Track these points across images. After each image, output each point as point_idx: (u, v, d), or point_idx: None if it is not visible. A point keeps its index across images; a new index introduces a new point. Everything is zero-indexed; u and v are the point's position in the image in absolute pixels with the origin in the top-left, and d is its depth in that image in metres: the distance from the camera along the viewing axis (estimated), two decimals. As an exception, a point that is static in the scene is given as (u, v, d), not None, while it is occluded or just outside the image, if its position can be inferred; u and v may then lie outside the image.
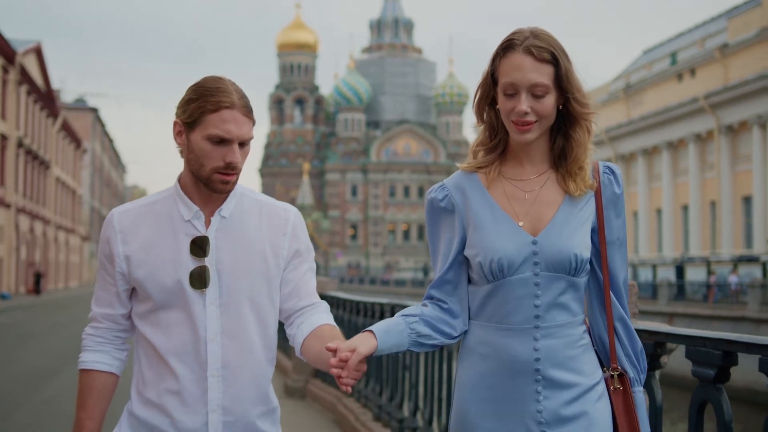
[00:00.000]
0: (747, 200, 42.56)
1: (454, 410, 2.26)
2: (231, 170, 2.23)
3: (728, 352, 2.48)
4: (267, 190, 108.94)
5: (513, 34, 2.15)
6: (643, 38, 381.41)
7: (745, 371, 2.61)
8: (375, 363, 6.84)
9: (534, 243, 2.14)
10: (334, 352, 2.05)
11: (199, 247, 2.26)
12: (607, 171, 2.24)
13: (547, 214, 2.17)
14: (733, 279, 30.41)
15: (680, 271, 35.51)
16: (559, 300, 2.14)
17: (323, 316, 2.35)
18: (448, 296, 2.23)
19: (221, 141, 2.20)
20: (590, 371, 2.16)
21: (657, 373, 2.88)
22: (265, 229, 2.33)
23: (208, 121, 2.20)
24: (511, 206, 2.18)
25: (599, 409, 2.15)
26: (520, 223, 2.16)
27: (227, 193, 2.28)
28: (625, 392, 2.18)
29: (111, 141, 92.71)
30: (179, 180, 2.33)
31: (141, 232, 2.29)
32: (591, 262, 2.21)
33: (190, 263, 2.25)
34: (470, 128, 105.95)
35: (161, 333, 2.26)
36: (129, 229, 2.29)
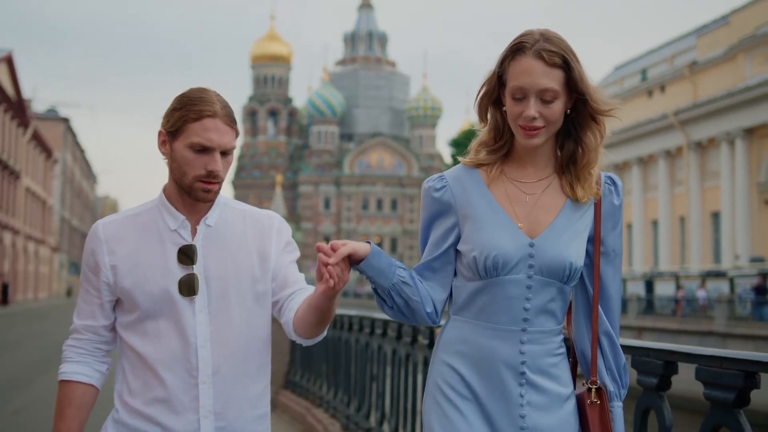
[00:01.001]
0: (715, 216, 43.03)
1: (430, 407, 2.19)
2: (213, 179, 2.25)
3: (669, 362, 2.51)
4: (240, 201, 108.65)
5: (523, 36, 2.11)
6: (615, 54, 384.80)
7: (684, 380, 2.64)
8: (344, 374, 6.92)
9: (531, 245, 2.11)
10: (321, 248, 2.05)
11: (187, 255, 2.27)
12: (609, 181, 2.22)
13: (546, 219, 2.15)
14: (701, 294, 30.75)
15: (649, 285, 35.86)
16: (548, 306, 2.12)
17: (307, 293, 2.35)
18: (429, 281, 2.20)
19: (203, 149, 2.22)
20: (566, 381, 2.16)
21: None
22: (251, 236, 2.35)
23: (191, 129, 2.22)
24: (511, 206, 2.16)
25: (571, 422, 2.14)
26: (519, 225, 2.13)
27: (209, 201, 2.30)
28: (602, 407, 2.14)
29: (82, 151, 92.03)
30: (164, 190, 2.34)
31: (127, 241, 2.30)
32: (582, 272, 2.19)
33: (177, 271, 2.26)
34: (443, 142, 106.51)
35: (149, 342, 2.26)
36: (114, 239, 2.30)
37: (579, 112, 2.13)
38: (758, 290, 28.47)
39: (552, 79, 2.06)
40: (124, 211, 2.41)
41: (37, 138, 60.79)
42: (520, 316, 2.10)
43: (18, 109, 52.95)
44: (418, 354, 5.01)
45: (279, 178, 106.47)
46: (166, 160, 2.30)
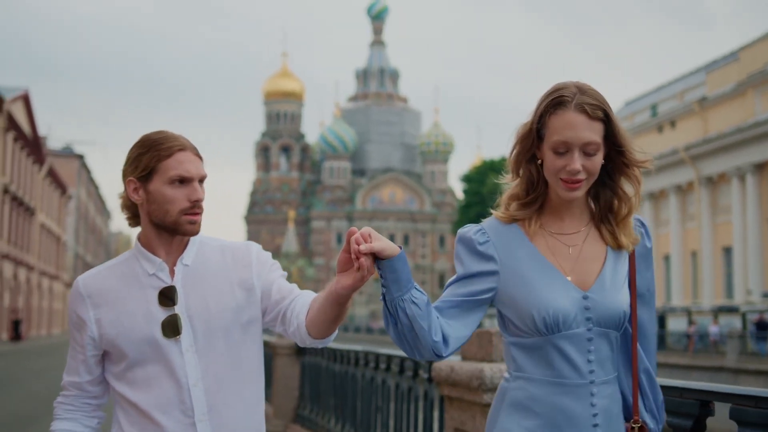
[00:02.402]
0: (727, 251, 43.01)
1: None
2: (197, 209, 2.28)
3: (704, 402, 2.51)
4: (252, 237, 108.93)
5: (561, 89, 2.10)
6: (625, 90, 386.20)
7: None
8: (351, 407, 7.07)
9: (585, 298, 2.09)
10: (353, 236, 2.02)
11: (167, 297, 2.28)
12: (638, 224, 2.23)
13: (593, 269, 2.14)
14: (713, 329, 30.72)
15: (662, 320, 35.79)
16: (608, 355, 2.12)
17: (310, 295, 2.37)
18: (451, 319, 2.13)
19: (182, 181, 2.25)
20: (622, 427, 2.16)
21: None
22: (230, 267, 2.36)
23: (166, 166, 2.24)
24: (556, 260, 2.13)
25: None
26: (569, 278, 2.12)
27: (196, 233, 2.31)
28: None
29: (96, 187, 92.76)
30: (138, 239, 2.36)
31: (109, 293, 2.31)
32: None
33: (160, 314, 2.27)
34: (455, 177, 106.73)
35: (140, 389, 2.27)
36: (96, 292, 2.32)
37: (613, 161, 2.14)
38: (759, 325, 28.49)
39: (595, 132, 2.06)
40: (103, 264, 2.42)
41: (52, 174, 61.42)
42: (586, 369, 2.08)
43: (34, 146, 53.58)
44: (419, 387, 5.17)
45: (291, 213, 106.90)
46: (142, 207, 2.31)
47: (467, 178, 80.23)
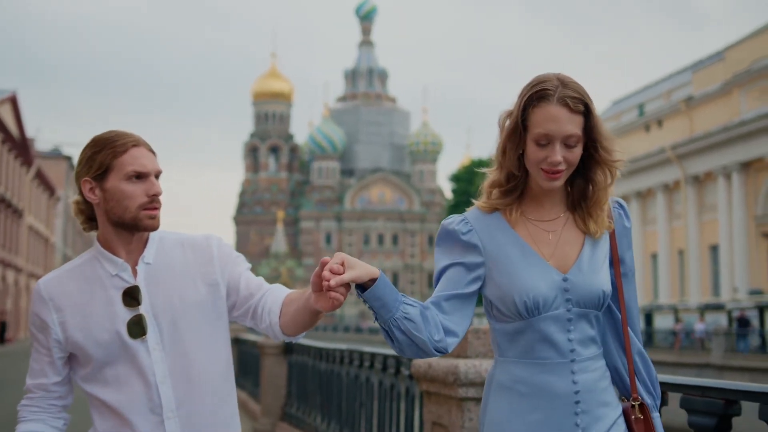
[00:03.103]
0: (714, 249, 43.32)
1: None
2: (156, 203, 2.28)
3: (730, 401, 2.50)
4: (241, 237, 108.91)
5: (543, 82, 2.14)
6: (612, 89, 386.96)
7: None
8: (336, 405, 7.20)
9: (565, 280, 2.16)
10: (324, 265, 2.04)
11: (132, 297, 2.28)
12: (617, 206, 2.29)
13: (572, 253, 2.20)
14: (699, 327, 30.97)
15: (649, 318, 36.06)
16: (589, 334, 2.18)
17: (282, 291, 2.38)
18: (450, 315, 2.19)
19: (139, 176, 2.25)
20: (615, 403, 2.22)
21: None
22: (191, 263, 2.36)
23: (121, 162, 2.24)
24: (537, 246, 2.20)
25: None
26: (549, 262, 2.19)
27: (156, 228, 2.31)
28: (646, 421, 2.22)
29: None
30: (98, 239, 2.35)
31: (71, 296, 2.30)
32: None
33: (125, 314, 2.27)
34: (444, 177, 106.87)
35: (110, 389, 2.28)
36: (58, 295, 2.31)
37: (590, 153, 2.19)
38: (740, 322, 28.74)
39: (575, 125, 2.11)
40: (64, 265, 2.41)
41: (40, 176, 61.26)
42: (566, 348, 2.15)
43: (22, 148, 53.45)
44: (401, 384, 5.30)
45: (280, 214, 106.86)
46: (99, 207, 2.30)
47: (456, 178, 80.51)
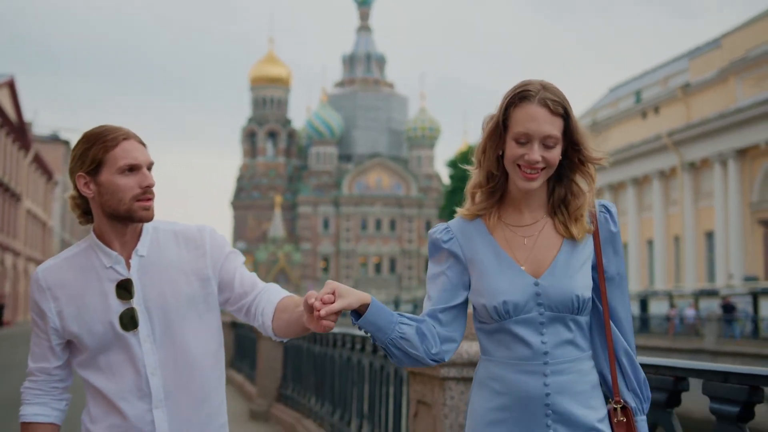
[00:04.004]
0: (709, 235, 43.51)
1: None
2: (149, 194, 2.33)
3: (754, 387, 2.50)
4: (239, 222, 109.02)
5: (526, 85, 2.21)
6: (610, 76, 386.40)
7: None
8: (329, 386, 7.40)
9: (536, 285, 2.20)
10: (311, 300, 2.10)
11: (125, 289, 2.34)
12: (603, 210, 2.31)
13: (547, 258, 2.24)
14: (689, 312, 31.23)
15: (644, 304, 36.29)
16: (566, 337, 2.20)
17: (276, 293, 2.43)
18: (442, 325, 2.27)
19: (131, 169, 2.30)
20: (598, 406, 2.22)
21: (674, 411, 2.87)
22: (185, 256, 2.41)
23: (113, 156, 2.30)
24: (512, 251, 2.25)
25: None
26: (523, 267, 2.23)
27: (150, 219, 2.36)
28: (628, 424, 2.23)
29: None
30: (94, 231, 2.41)
31: (67, 285, 2.37)
32: (593, 299, 2.27)
33: (118, 307, 2.33)
34: (441, 162, 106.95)
35: (103, 376, 2.34)
36: (55, 285, 2.37)
37: (570, 158, 2.25)
38: (725, 308, 28.94)
39: (555, 127, 2.18)
40: (61, 253, 2.47)
41: (38, 161, 61.30)
42: (540, 350, 2.18)
43: (20, 132, 53.50)
44: (390, 366, 5.49)
45: (278, 199, 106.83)
46: (93, 201, 2.36)
47: (453, 164, 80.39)
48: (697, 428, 4.03)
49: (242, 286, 2.44)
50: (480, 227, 2.29)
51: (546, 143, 2.18)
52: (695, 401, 3.04)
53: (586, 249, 2.27)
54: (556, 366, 2.19)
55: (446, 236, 2.30)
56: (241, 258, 2.50)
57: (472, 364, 3.79)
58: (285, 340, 2.49)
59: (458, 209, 2.35)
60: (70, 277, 2.38)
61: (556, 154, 2.20)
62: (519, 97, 2.20)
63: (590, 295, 2.24)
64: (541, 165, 2.19)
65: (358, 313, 2.18)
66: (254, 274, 2.49)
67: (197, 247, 2.42)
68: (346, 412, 6.72)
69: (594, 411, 2.21)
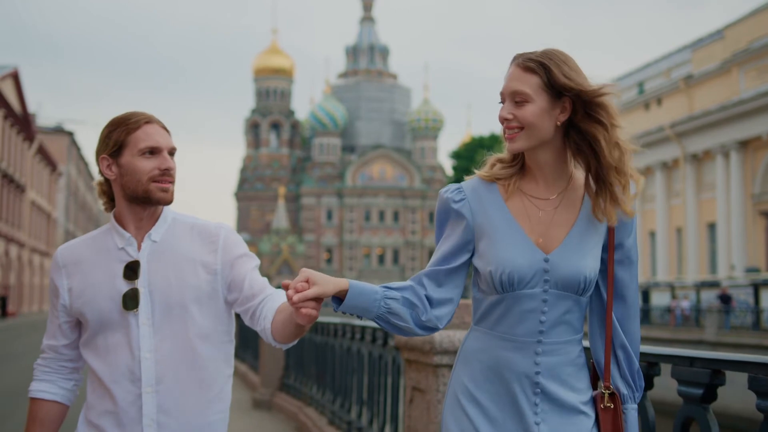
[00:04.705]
0: (711, 227, 43.55)
1: (448, 411, 2.27)
2: (167, 176, 2.37)
3: (716, 371, 2.54)
4: (242, 213, 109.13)
5: (521, 53, 2.20)
6: (613, 67, 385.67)
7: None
8: (330, 375, 7.56)
9: (546, 261, 2.16)
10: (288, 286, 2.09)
11: (131, 270, 2.37)
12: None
13: (559, 234, 2.19)
14: (685, 304, 31.41)
15: (646, 295, 36.39)
16: (564, 317, 2.17)
17: (279, 299, 2.43)
18: (437, 287, 2.23)
19: (152, 152, 2.35)
20: (584, 389, 2.21)
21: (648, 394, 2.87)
22: (197, 248, 2.43)
23: (135, 138, 2.35)
24: (528, 222, 2.20)
25: (590, 429, 2.19)
26: (536, 240, 2.18)
27: (168, 202, 2.40)
28: (615, 411, 2.19)
29: (86, 164, 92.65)
30: (114, 214, 2.45)
31: (81, 264, 2.42)
32: (597, 281, 2.23)
33: (123, 286, 2.36)
34: (444, 153, 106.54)
35: (100, 357, 2.37)
36: (71, 262, 2.43)
37: (578, 113, 2.16)
38: (722, 299, 29.01)
39: (523, 83, 2.14)
40: (85, 234, 2.54)
41: (42, 152, 61.47)
42: (536, 328, 2.15)
43: (24, 123, 53.65)
44: (388, 355, 5.65)
45: (281, 190, 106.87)
46: (115, 183, 2.40)
47: (457, 155, 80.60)
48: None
49: (251, 288, 2.44)
50: (494, 193, 2.24)
51: (515, 99, 2.15)
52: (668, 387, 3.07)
53: (601, 228, 2.22)
54: (549, 346, 2.16)
55: (458, 196, 2.25)
56: (255, 261, 2.50)
57: (464, 352, 3.93)
58: (283, 347, 2.45)
59: (476, 170, 2.30)
60: (86, 255, 2.43)
61: (529, 112, 2.13)
62: (509, 65, 2.21)
63: (596, 277, 2.20)
64: (514, 123, 2.15)
65: (340, 300, 2.15)
66: (266, 280, 2.48)
67: (211, 242, 2.44)
68: (347, 399, 6.91)
69: (579, 393, 2.20)
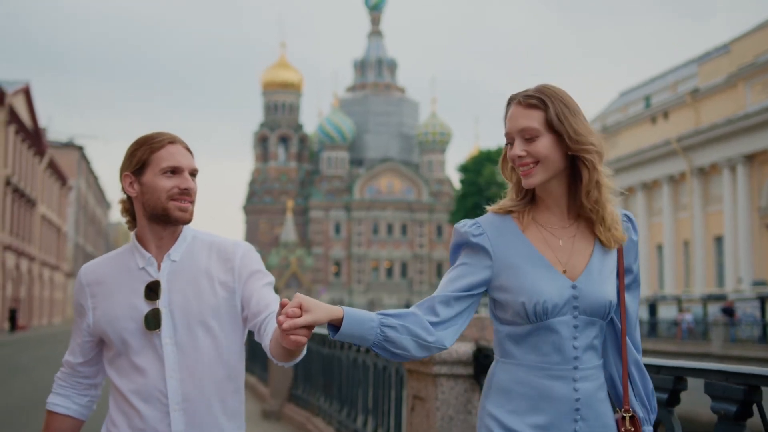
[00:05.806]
0: (718, 240, 43.62)
1: None
2: (186, 196, 2.40)
3: (752, 387, 2.49)
4: (251, 227, 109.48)
5: (519, 93, 2.24)
6: (620, 81, 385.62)
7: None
8: (337, 386, 7.80)
9: (573, 287, 2.17)
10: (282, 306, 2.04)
11: (152, 290, 2.40)
12: (625, 219, 2.29)
13: (581, 261, 2.21)
14: (687, 317, 31.55)
15: (653, 309, 36.50)
16: (593, 343, 2.20)
17: None
18: (446, 307, 2.19)
19: (173, 171, 2.39)
20: (610, 414, 2.23)
21: (675, 410, 2.89)
22: (215, 267, 2.45)
23: (157, 157, 2.39)
24: (550, 251, 2.21)
25: None
26: (560, 269, 2.19)
27: (187, 222, 2.43)
28: None
29: (96, 178, 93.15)
30: (135, 233, 2.48)
31: (104, 284, 2.45)
32: None
33: (144, 307, 2.39)
34: (452, 167, 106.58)
35: (125, 376, 2.40)
36: (94, 282, 2.46)
37: (573, 152, 2.20)
38: (726, 312, 29.08)
39: (529, 119, 2.16)
40: (107, 253, 2.57)
41: (52, 166, 61.85)
42: (570, 355, 2.16)
43: (35, 138, 54.04)
44: (392, 366, 5.89)
45: (290, 203, 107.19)
46: (137, 200, 2.43)
47: (464, 168, 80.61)
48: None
49: (257, 305, 2.44)
50: (511, 225, 2.25)
51: (524, 136, 2.18)
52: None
53: (614, 255, 2.26)
54: (584, 372, 2.18)
55: (476, 231, 2.23)
56: (267, 278, 2.51)
57: (461, 362, 4.19)
58: (285, 364, 2.42)
59: (488, 207, 2.31)
60: (108, 275, 2.46)
61: (541, 146, 2.17)
62: (507, 104, 2.24)
63: (616, 302, 2.24)
64: (528, 159, 2.18)
65: (335, 327, 2.10)
66: (276, 297, 2.47)
67: (228, 260, 2.47)
68: (353, 409, 7.14)
69: (608, 419, 2.21)
